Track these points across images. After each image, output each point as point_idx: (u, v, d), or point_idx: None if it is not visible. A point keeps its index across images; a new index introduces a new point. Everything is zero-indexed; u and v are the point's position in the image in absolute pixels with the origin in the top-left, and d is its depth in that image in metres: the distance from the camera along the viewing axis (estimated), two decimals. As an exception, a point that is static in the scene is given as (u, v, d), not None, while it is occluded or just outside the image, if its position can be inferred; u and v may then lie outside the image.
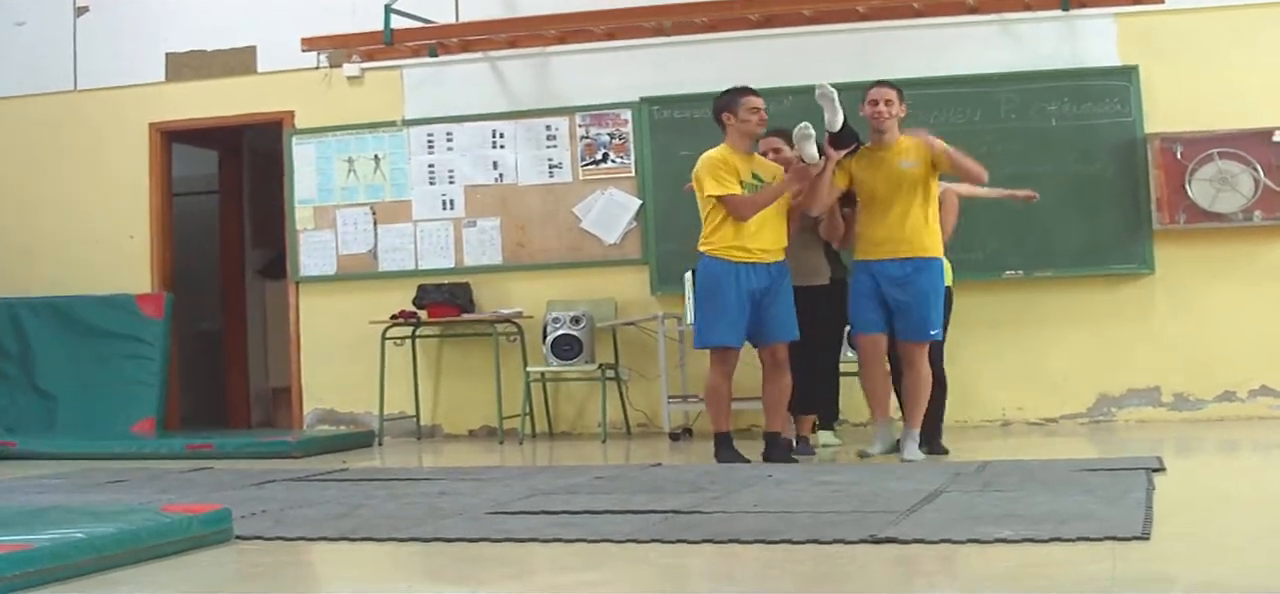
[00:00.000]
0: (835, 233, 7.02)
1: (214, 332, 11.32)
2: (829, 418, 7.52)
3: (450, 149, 9.47)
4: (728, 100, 6.73)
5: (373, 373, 9.27)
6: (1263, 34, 8.40)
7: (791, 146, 6.81)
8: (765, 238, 6.66)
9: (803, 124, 6.55)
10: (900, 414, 6.95)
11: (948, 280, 6.92)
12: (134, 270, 9.97)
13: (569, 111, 9.29)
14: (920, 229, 6.64)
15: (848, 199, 6.90)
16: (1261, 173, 8.26)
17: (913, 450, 6.63)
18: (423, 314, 9.23)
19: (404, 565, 4.17)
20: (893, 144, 6.68)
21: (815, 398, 7.18)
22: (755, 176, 6.69)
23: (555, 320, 8.86)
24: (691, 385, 8.69)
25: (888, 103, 6.67)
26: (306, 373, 9.78)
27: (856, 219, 6.88)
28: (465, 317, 9.21)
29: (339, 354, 9.60)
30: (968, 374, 8.53)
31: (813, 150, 6.55)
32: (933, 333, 6.67)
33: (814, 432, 7.32)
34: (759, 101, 6.73)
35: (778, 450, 6.73)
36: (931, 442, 6.86)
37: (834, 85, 6.63)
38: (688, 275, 7.92)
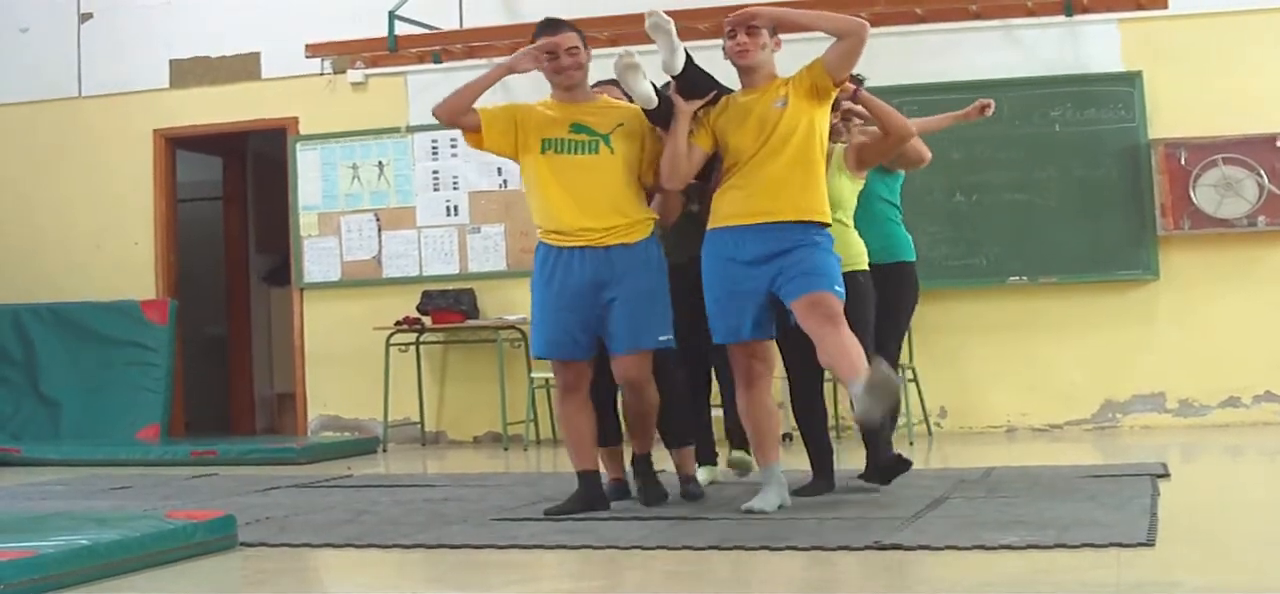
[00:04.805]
0: (671, 213, 5.30)
1: (218, 338, 11.32)
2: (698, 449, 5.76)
3: (454, 155, 9.47)
4: (532, 40, 5.23)
5: (377, 379, 9.27)
6: (1267, 39, 8.39)
7: (630, 98, 5.18)
8: (592, 212, 5.01)
9: (624, 50, 5.00)
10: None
11: (907, 256, 5.61)
12: (138, 276, 9.97)
13: (573, 117, 9.27)
14: (801, 190, 4.86)
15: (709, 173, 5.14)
16: (1266, 178, 8.25)
17: (867, 380, 4.54)
18: (427, 320, 9.24)
19: (409, 572, 4.17)
20: (763, 86, 4.95)
21: (684, 426, 5.49)
22: (578, 126, 5.08)
23: (559, 326, 8.83)
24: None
25: (751, 32, 4.94)
26: (311, 379, 9.78)
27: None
28: (469, 323, 9.21)
29: (343, 360, 9.61)
30: (972, 380, 8.54)
31: (645, 87, 4.91)
32: (836, 289, 4.79)
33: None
34: (557, 40, 5.12)
35: (643, 478, 5.17)
36: (882, 467, 5.41)
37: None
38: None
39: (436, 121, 5.21)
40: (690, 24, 8.88)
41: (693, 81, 4.98)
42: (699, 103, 4.99)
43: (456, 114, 5.09)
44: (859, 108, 5.38)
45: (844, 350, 4.66)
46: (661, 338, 5.06)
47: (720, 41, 5.06)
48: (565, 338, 5.09)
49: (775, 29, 4.99)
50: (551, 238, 5.10)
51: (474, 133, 5.14)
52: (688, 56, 4.95)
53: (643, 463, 5.26)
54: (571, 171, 5.05)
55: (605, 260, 5.00)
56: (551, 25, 5.18)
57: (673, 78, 4.96)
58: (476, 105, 5.11)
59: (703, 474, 5.72)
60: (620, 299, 4.98)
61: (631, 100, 5.15)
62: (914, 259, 5.66)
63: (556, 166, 5.06)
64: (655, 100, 4.95)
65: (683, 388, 5.47)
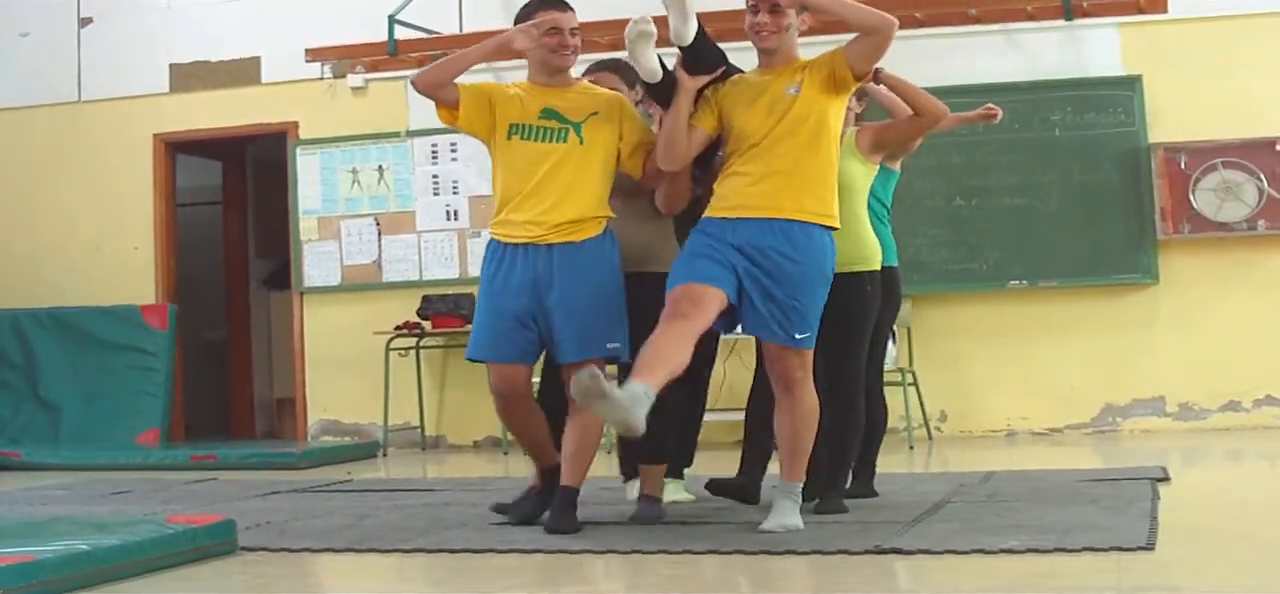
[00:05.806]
0: (676, 200, 4.90)
1: (218, 342, 11.33)
2: (678, 462, 5.44)
3: (454, 159, 9.48)
4: (522, 14, 4.79)
5: (377, 384, 9.27)
6: (1267, 43, 8.39)
7: (630, 85, 4.99)
8: (542, 206, 4.67)
9: (639, 17, 4.47)
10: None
11: (891, 260, 5.25)
12: (138, 281, 9.97)
13: (573, 122, 9.27)
14: (805, 186, 4.46)
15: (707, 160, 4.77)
16: (1266, 182, 8.25)
17: (789, 514, 4.50)
18: (427, 325, 9.23)
19: (409, 576, 4.17)
20: (780, 68, 4.57)
21: (662, 440, 4.85)
22: (549, 113, 4.71)
23: (559, 330, 8.81)
24: (695, 395, 8.66)
25: (774, 11, 4.50)
26: (311, 383, 9.77)
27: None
28: (469, 327, 9.18)
29: (343, 365, 9.60)
30: (972, 384, 8.54)
31: (652, 61, 4.52)
32: (799, 338, 4.44)
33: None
34: (563, 18, 4.71)
35: (558, 514, 4.65)
36: (863, 484, 5.26)
37: None
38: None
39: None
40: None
41: (700, 55, 4.54)
42: (704, 79, 4.57)
43: (436, 86, 4.81)
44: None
45: (792, 445, 4.55)
46: (611, 346, 4.66)
47: (723, 46, 4.74)
48: (499, 339, 4.75)
49: (802, 8, 4.54)
50: (496, 229, 4.80)
51: (449, 109, 4.83)
52: (700, 28, 4.51)
53: (568, 495, 4.70)
54: (529, 159, 4.70)
55: (546, 260, 4.66)
56: (553, 1, 4.75)
57: (681, 49, 4.53)
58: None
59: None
60: (564, 304, 4.64)
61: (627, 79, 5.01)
62: (897, 264, 5.33)
63: (516, 153, 4.73)
64: (660, 74, 4.54)
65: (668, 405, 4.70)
